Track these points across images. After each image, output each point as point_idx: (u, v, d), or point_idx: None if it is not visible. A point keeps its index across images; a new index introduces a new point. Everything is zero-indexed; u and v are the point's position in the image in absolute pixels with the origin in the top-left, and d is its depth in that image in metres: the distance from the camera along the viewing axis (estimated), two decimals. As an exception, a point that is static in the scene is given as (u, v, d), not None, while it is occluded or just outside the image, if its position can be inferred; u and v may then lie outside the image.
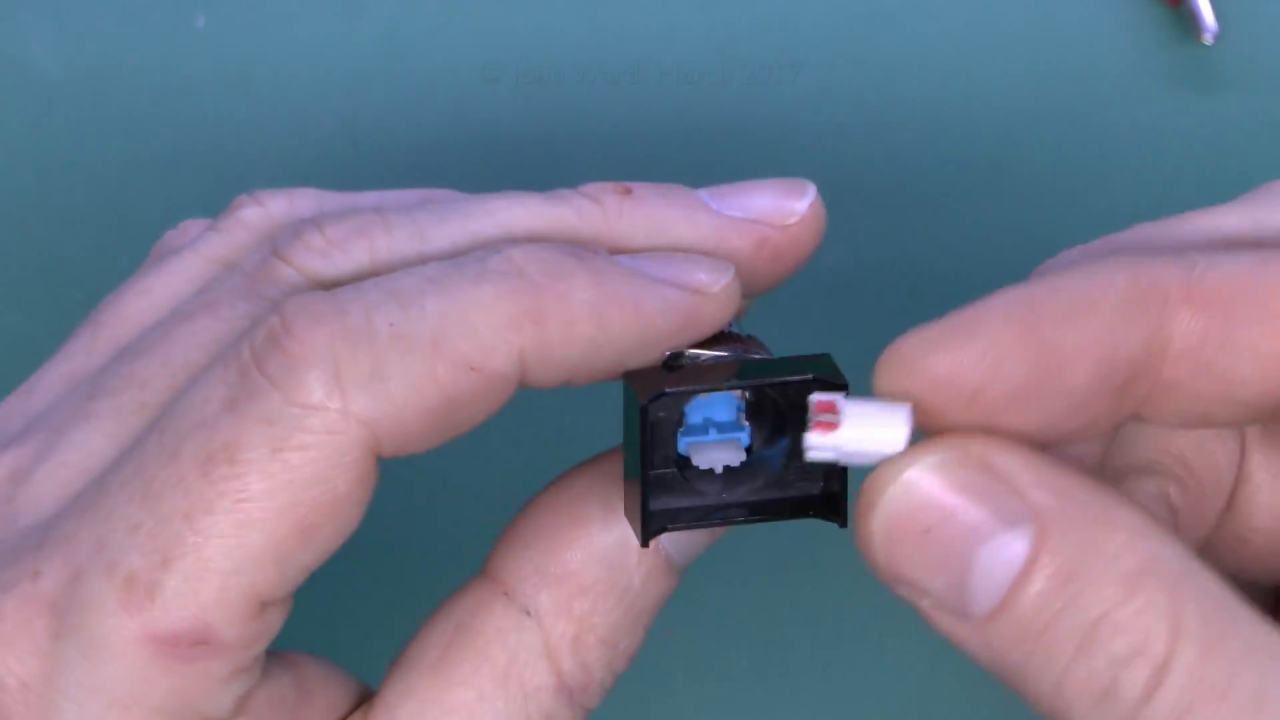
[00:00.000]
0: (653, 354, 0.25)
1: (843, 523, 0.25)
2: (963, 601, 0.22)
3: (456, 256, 0.25)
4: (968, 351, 0.22)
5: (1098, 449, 0.27)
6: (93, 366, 0.28)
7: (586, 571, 0.25)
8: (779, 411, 0.25)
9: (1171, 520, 0.26)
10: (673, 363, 0.25)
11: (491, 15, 0.47)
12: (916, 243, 0.44)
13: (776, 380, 0.24)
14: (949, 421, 0.22)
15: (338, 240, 0.27)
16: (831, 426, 0.23)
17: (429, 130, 0.46)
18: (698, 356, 0.26)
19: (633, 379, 0.25)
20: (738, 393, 0.25)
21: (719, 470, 0.25)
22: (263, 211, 0.29)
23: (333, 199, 0.29)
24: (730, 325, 0.26)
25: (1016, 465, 0.22)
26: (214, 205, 0.45)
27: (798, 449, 0.24)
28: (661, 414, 0.24)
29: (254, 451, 0.23)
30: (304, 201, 0.29)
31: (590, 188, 0.28)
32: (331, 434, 0.23)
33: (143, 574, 0.23)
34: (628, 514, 0.25)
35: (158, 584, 0.23)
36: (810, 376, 0.24)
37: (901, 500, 0.22)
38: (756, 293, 0.28)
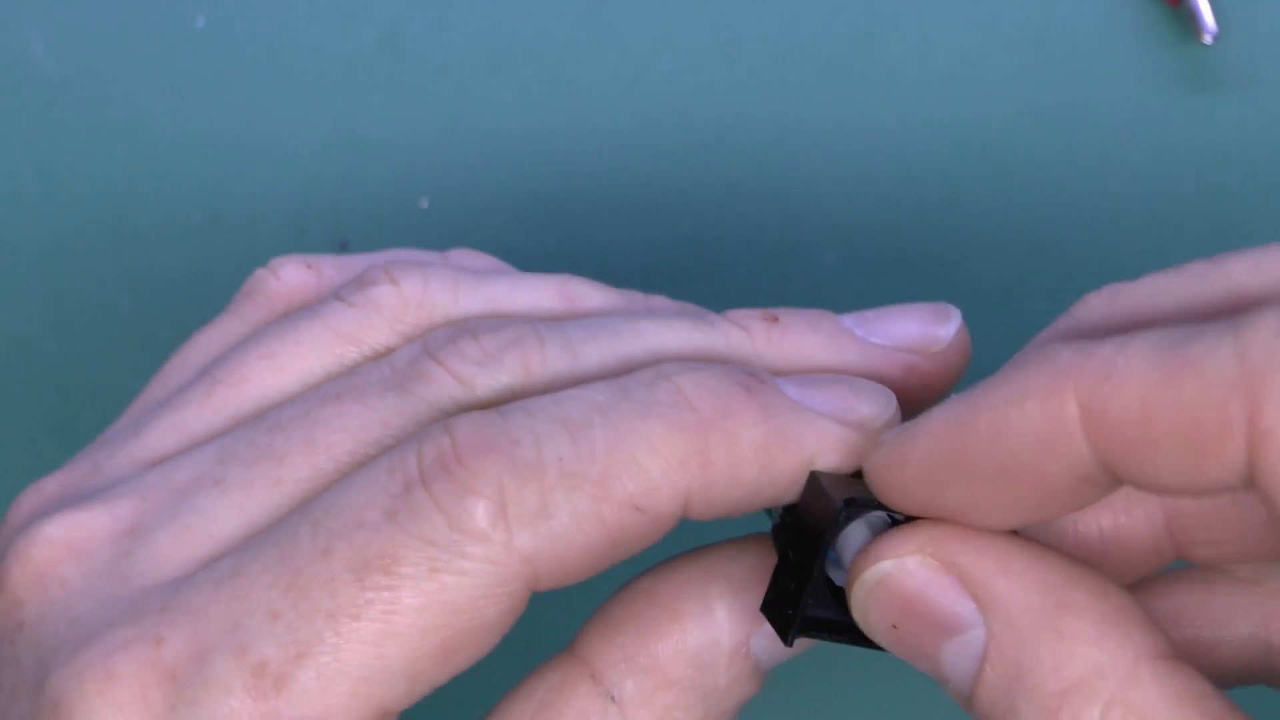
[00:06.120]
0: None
1: None
2: (945, 681, 0.23)
3: (617, 378, 0.25)
4: (906, 471, 0.23)
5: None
6: (207, 424, 0.27)
7: (675, 666, 0.25)
8: None
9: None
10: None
11: (491, 15, 0.47)
12: (916, 243, 0.44)
13: None
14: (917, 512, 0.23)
15: (493, 353, 0.26)
16: None
17: (429, 131, 0.46)
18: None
19: (821, 478, 0.25)
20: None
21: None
22: (396, 291, 0.28)
23: (469, 286, 0.29)
24: None
25: (978, 563, 0.22)
26: (215, 206, 0.45)
27: None
28: (844, 523, 0.24)
29: (411, 568, 0.23)
30: (439, 284, 0.28)
31: (737, 315, 0.28)
32: (492, 565, 0.23)
33: (274, 663, 0.23)
34: (766, 608, 0.25)
35: (288, 676, 0.23)
36: None
37: (872, 594, 0.23)
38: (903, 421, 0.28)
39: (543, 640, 0.26)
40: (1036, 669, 0.21)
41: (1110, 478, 0.21)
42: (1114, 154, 0.45)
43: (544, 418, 0.24)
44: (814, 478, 0.25)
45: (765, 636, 0.25)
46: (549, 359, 0.26)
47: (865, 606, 0.23)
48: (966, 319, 0.28)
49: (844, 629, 0.24)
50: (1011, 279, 0.44)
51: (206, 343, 0.30)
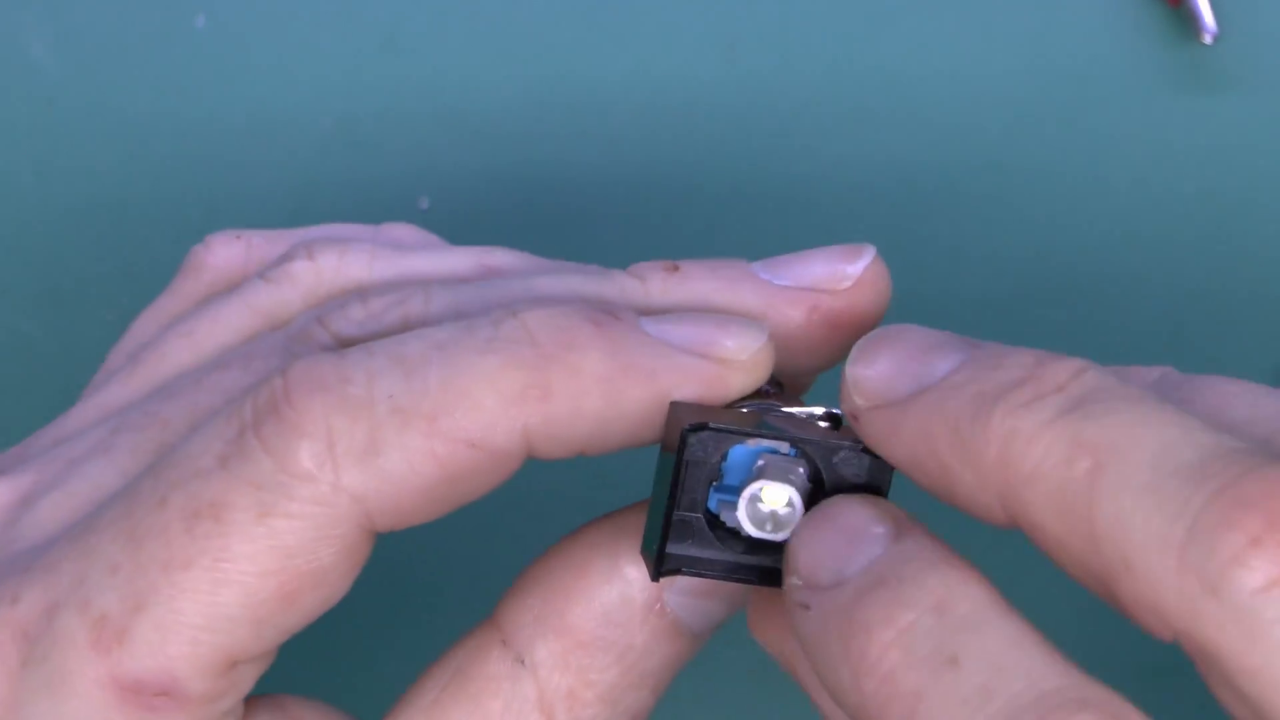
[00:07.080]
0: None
1: None
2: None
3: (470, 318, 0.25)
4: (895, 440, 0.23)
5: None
6: (126, 401, 0.27)
7: (585, 626, 0.25)
8: (819, 483, 0.24)
9: None
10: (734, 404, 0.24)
11: (492, 14, 0.47)
12: (915, 243, 0.44)
13: (823, 442, 0.23)
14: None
15: (377, 313, 0.26)
16: None
17: (428, 130, 0.46)
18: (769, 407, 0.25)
19: (678, 407, 0.24)
20: (793, 482, 0.24)
21: (746, 533, 0.24)
22: (312, 267, 0.28)
23: (384, 259, 0.29)
24: (768, 387, 0.25)
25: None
26: (214, 206, 0.45)
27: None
28: (700, 452, 0.23)
29: (240, 513, 0.23)
30: (355, 258, 0.28)
31: (639, 267, 0.27)
32: (320, 506, 0.23)
33: (114, 617, 0.23)
34: (644, 551, 0.24)
35: (128, 629, 0.23)
36: (862, 446, 0.23)
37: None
38: (822, 365, 0.27)
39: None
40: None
41: None
42: (1114, 154, 0.45)
43: (382, 356, 0.24)
44: (674, 409, 0.24)
45: (681, 592, 0.25)
46: (432, 317, 0.26)
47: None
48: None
49: (724, 566, 0.24)
50: (1010, 279, 0.44)
51: (143, 325, 0.30)
